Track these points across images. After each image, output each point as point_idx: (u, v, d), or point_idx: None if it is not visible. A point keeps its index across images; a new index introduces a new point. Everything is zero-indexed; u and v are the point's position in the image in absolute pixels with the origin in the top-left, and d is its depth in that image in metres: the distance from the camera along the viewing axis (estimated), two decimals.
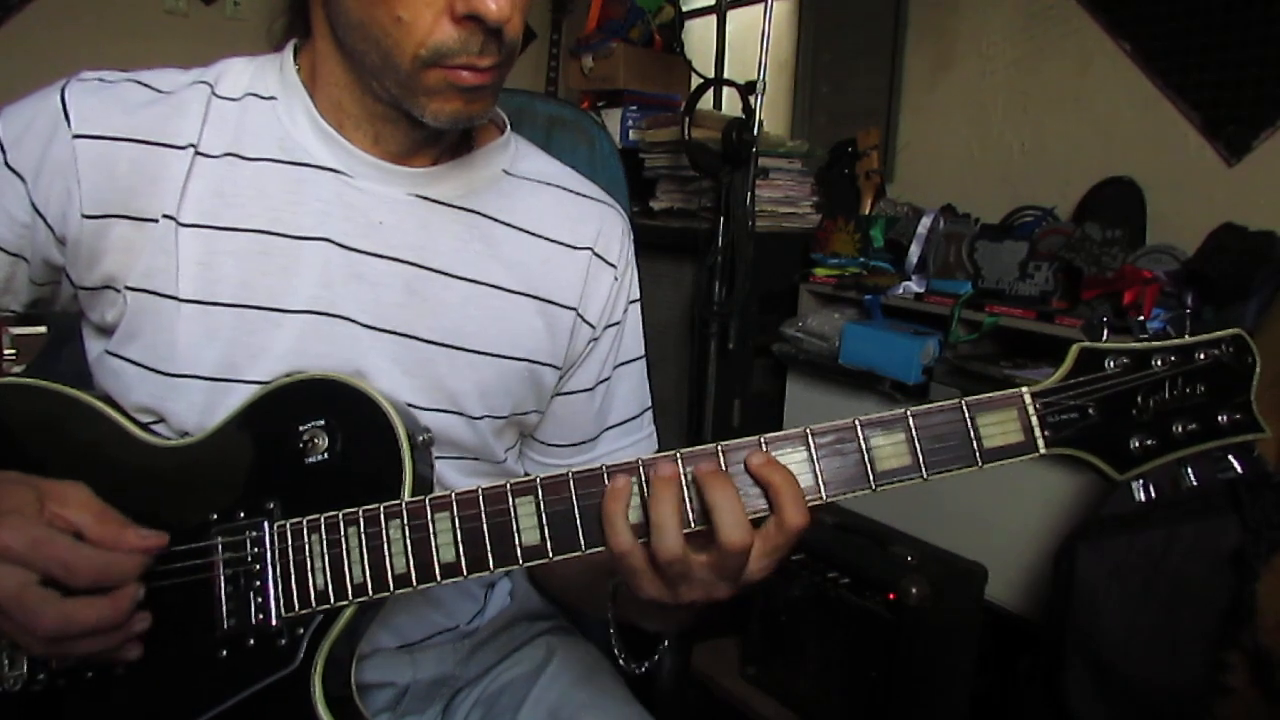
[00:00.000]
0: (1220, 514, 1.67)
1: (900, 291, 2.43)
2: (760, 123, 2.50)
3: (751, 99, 2.51)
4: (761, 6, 2.50)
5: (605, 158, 1.38)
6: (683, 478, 0.75)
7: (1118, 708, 1.74)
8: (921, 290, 2.41)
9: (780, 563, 0.76)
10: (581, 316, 1.03)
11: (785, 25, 3.34)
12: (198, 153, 0.89)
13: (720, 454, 0.75)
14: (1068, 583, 1.80)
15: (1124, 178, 2.34)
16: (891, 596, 1.95)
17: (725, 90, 3.03)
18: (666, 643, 0.92)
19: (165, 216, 0.88)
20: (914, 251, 2.48)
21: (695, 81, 2.77)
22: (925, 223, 2.48)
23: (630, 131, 3.14)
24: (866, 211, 2.73)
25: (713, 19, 3.54)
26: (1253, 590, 1.59)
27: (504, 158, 1.02)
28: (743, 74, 2.59)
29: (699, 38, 3.67)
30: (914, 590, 1.92)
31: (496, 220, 0.99)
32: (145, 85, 0.91)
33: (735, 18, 3.48)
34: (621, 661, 0.91)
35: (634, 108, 3.18)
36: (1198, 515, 1.69)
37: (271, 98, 0.93)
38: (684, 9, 3.59)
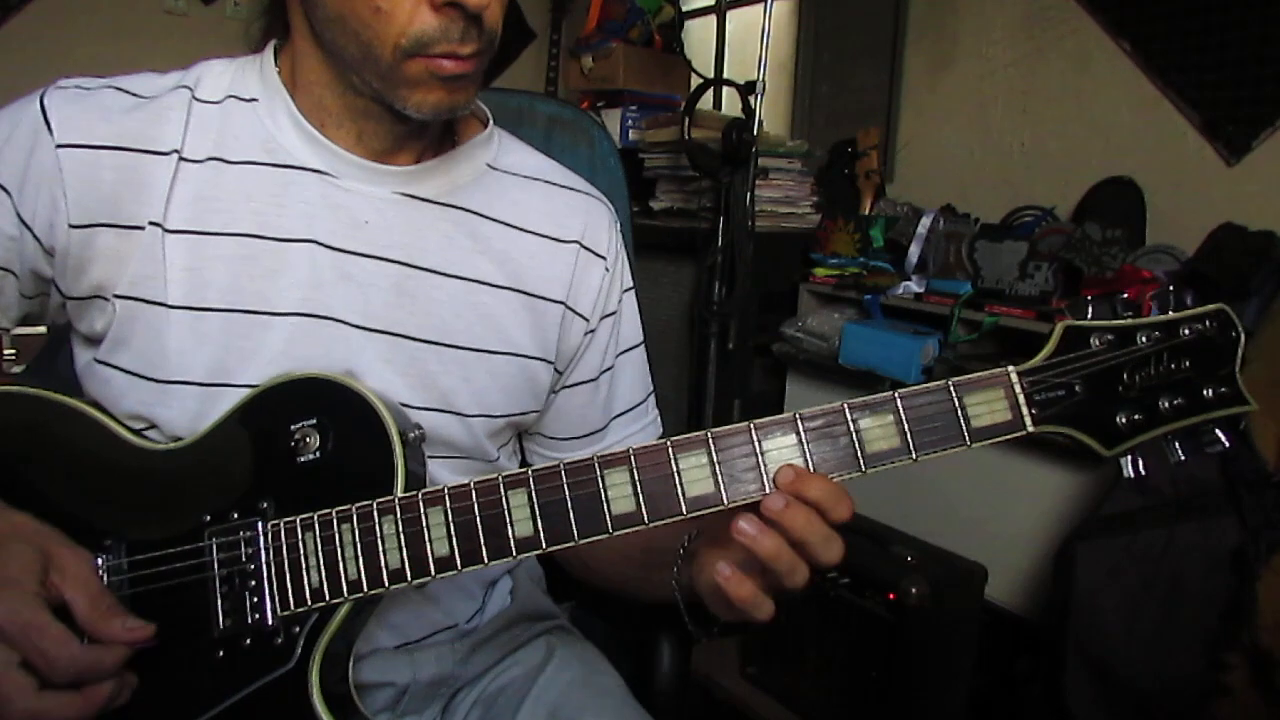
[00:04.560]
0: (1220, 514, 1.67)
1: (900, 291, 2.44)
2: (760, 123, 2.50)
3: (751, 99, 2.51)
4: (761, 6, 2.50)
5: (605, 158, 1.38)
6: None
7: (1117, 707, 1.74)
8: (921, 290, 2.41)
9: None
10: (572, 309, 1.03)
11: (785, 25, 3.34)
12: (181, 158, 0.89)
13: (710, 440, 0.76)
14: (1067, 583, 1.81)
15: (1124, 178, 2.34)
16: (891, 596, 1.94)
17: (725, 90, 3.03)
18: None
19: (151, 223, 0.87)
20: (914, 251, 2.48)
21: (695, 81, 2.77)
22: (925, 223, 2.48)
23: (630, 131, 3.14)
24: (866, 211, 2.74)
25: (713, 19, 3.55)
26: (1252, 590, 1.60)
27: (488, 152, 1.02)
28: (743, 74, 2.60)
29: (699, 38, 3.67)
30: (914, 590, 1.92)
31: (482, 216, 0.99)
32: (125, 91, 0.90)
33: (735, 18, 3.49)
34: (695, 637, 0.90)
35: (634, 108, 3.18)
36: (1197, 515, 1.70)
37: (253, 100, 0.93)
38: (684, 9, 3.59)
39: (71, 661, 0.74)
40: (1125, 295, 0.76)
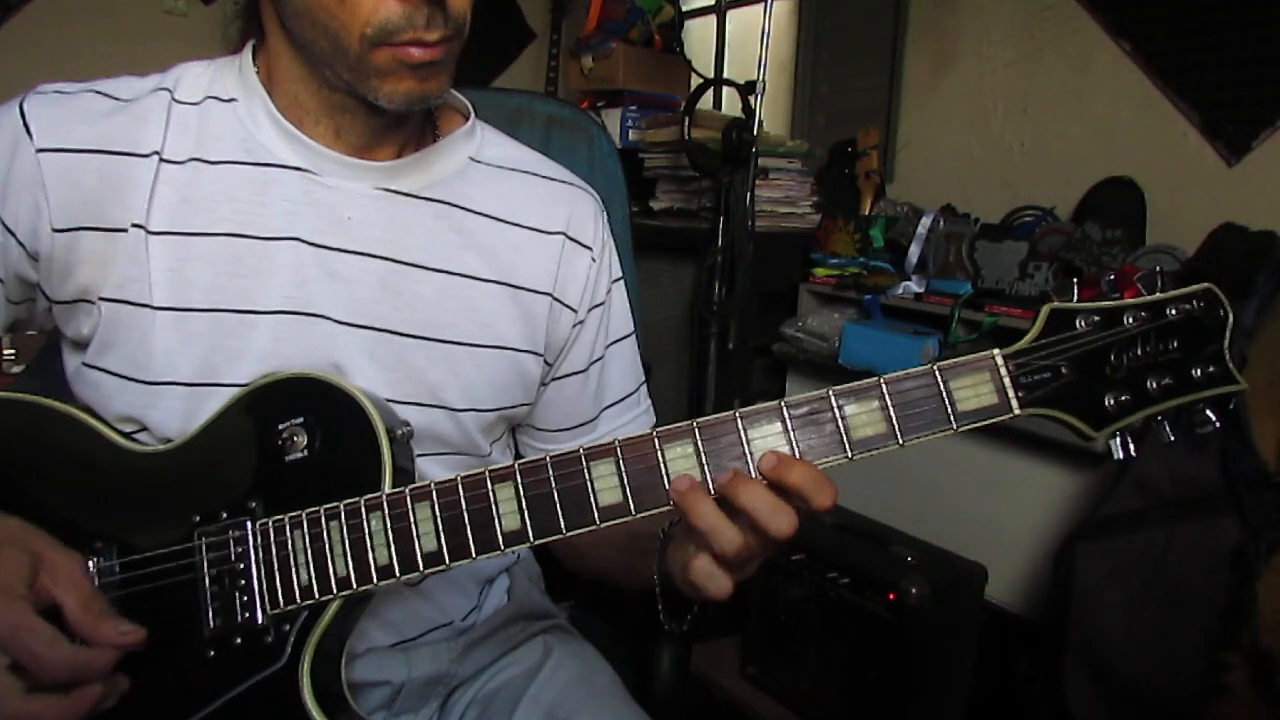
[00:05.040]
0: (1220, 514, 1.67)
1: (900, 291, 2.44)
2: (760, 123, 2.50)
3: (751, 99, 2.50)
4: (761, 6, 2.49)
5: (604, 158, 1.38)
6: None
7: (1117, 708, 1.73)
8: (921, 290, 2.41)
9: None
10: (559, 301, 1.03)
11: (785, 25, 3.34)
12: (162, 160, 0.89)
13: (696, 430, 0.76)
14: (1067, 583, 1.80)
15: (1124, 178, 2.34)
16: (891, 596, 1.94)
17: (725, 90, 3.03)
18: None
19: (134, 226, 0.87)
20: (914, 251, 2.48)
21: (695, 81, 2.77)
22: (925, 223, 2.48)
23: (630, 131, 3.14)
24: (866, 211, 2.74)
25: (713, 19, 3.55)
26: (1253, 590, 1.59)
27: (470, 145, 1.02)
28: (743, 74, 2.59)
29: (699, 38, 3.68)
30: (914, 590, 1.92)
31: (466, 209, 0.99)
32: (105, 95, 0.91)
33: (735, 18, 3.49)
34: (667, 626, 0.90)
35: (634, 108, 3.19)
36: (1197, 515, 1.69)
37: (232, 100, 0.93)
38: (684, 9, 3.59)
39: (63, 662, 0.74)
40: (1112, 276, 0.76)
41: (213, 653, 0.81)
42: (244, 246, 0.89)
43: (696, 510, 0.74)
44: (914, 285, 2.43)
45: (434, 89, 0.86)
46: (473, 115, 1.03)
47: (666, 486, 0.76)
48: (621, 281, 1.11)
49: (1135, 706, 1.72)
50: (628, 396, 1.12)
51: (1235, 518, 1.65)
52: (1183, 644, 1.67)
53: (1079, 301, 0.75)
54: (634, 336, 1.13)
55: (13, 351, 2.11)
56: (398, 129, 0.95)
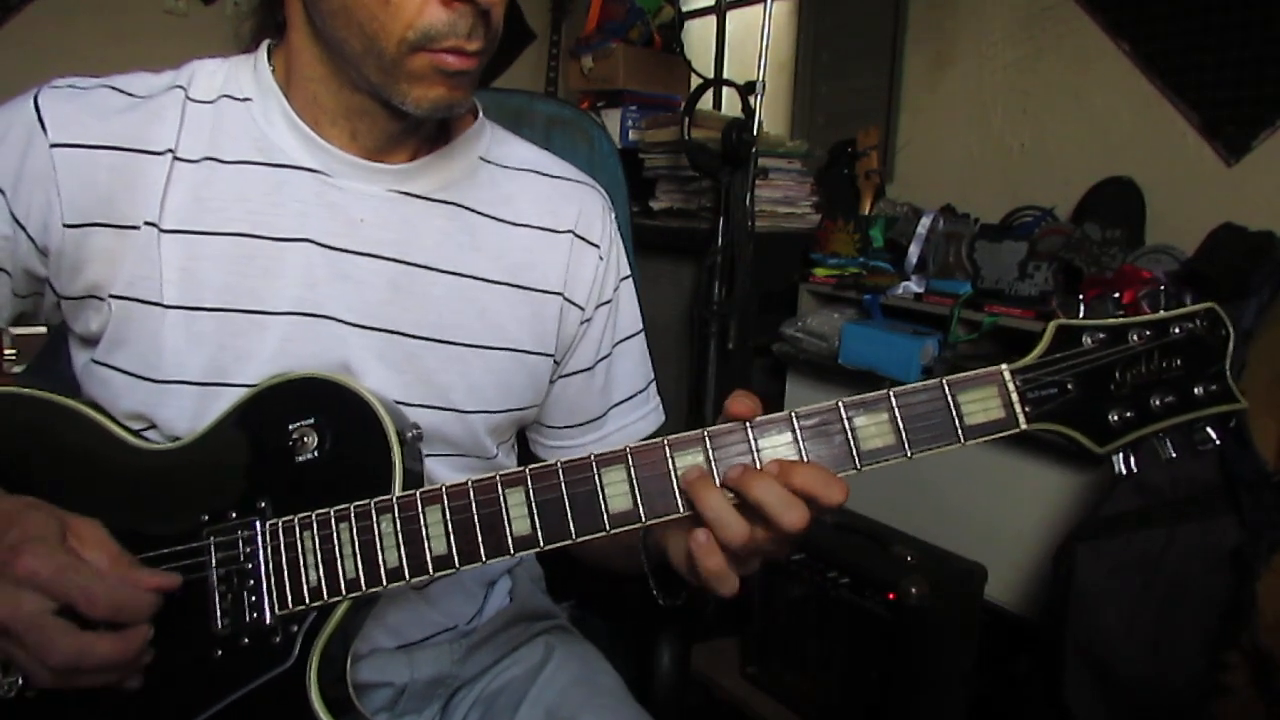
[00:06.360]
0: (1220, 514, 1.67)
1: (900, 291, 2.44)
2: (760, 123, 2.50)
3: (751, 99, 2.51)
4: (761, 6, 2.50)
5: (604, 158, 1.38)
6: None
7: (1116, 707, 1.74)
8: (921, 290, 2.41)
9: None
10: (569, 300, 1.03)
11: (785, 25, 3.34)
12: (176, 158, 0.89)
13: (707, 439, 0.76)
14: (1067, 583, 1.80)
15: (1124, 178, 2.34)
16: (891, 596, 1.95)
17: (725, 90, 3.03)
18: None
19: (147, 223, 0.87)
20: (913, 251, 2.48)
21: (695, 81, 2.77)
22: (925, 223, 2.48)
23: (630, 132, 3.14)
24: (866, 211, 2.74)
25: (712, 19, 3.55)
26: (1252, 590, 1.59)
27: (480, 145, 1.02)
28: (742, 74, 2.60)
29: (699, 38, 3.67)
30: (914, 590, 1.92)
31: (476, 211, 0.99)
32: (119, 90, 0.91)
33: (735, 18, 3.49)
34: (661, 601, 0.90)
35: (634, 108, 3.19)
36: (1197, 515, 1.69)
37: (247, 99, 0.93)
38: (684, 9, 3.59)
39: (109, 594, 0.75)
40: (1118, 295, 0.76)
41: (220, 652, 0.81)
42: (255, 247, 0.89)
43: (705, 500, 0.74)
44: (914, 285, 2.44)
45: (460, 98, 0.87)
46: (481, 114, 1.03)
47: (677, 494, 0.76)
48: (630, 279, 1.11)
49: (1135, 706, 1.72)
50: (636, 395, 1.12)
51: (1235, 518, 1.65)
52: (1183, 644, 1.68)
53: (1084, 317, 0.76)
54: (642, 335, 1.13)
55: (13, 351, 2.11)
56: (414, 134, 0.95)
